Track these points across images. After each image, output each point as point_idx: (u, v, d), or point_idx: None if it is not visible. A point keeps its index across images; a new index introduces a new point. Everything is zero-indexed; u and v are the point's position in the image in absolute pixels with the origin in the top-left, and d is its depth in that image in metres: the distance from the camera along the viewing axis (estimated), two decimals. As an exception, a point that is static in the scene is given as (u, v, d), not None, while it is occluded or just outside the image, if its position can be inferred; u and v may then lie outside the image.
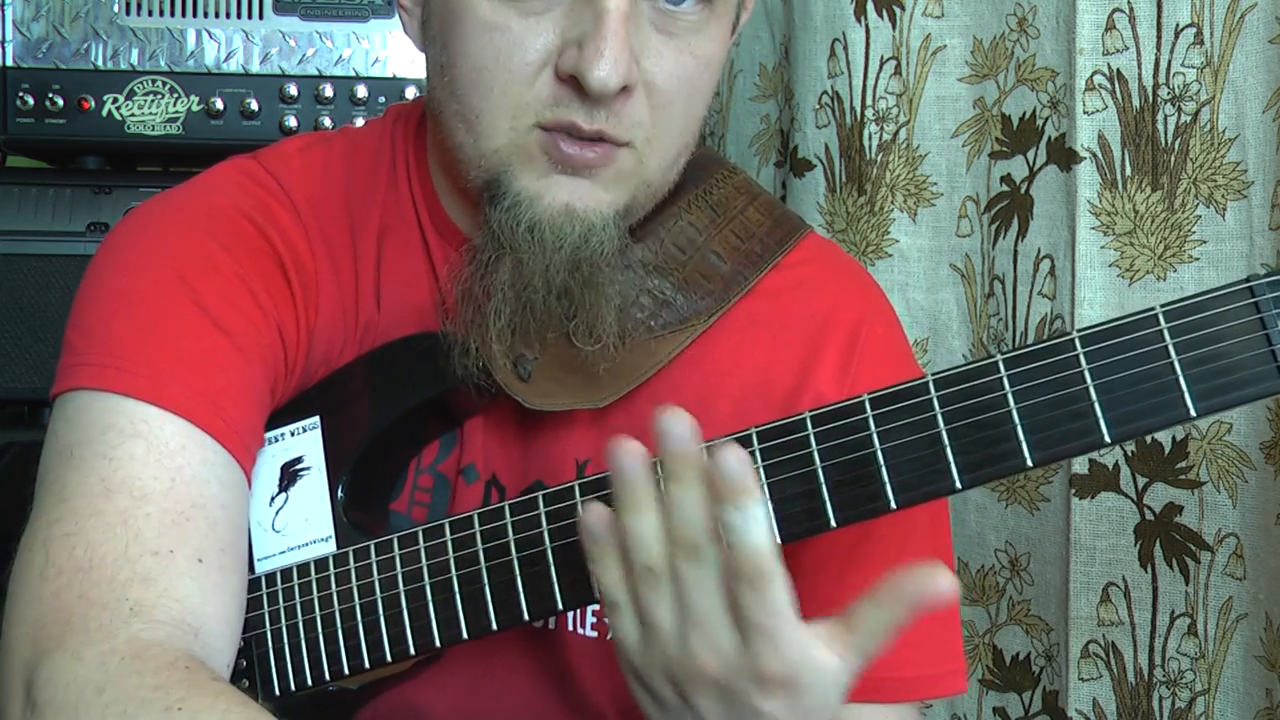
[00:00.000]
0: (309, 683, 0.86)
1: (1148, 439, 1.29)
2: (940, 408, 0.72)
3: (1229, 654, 1.26)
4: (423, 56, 0.92)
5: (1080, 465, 1.32)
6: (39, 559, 0.77)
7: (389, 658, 0.84)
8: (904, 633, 0.88)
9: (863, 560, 0.89)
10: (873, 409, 0.73)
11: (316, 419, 0.90)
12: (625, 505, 0.71)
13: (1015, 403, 0.71)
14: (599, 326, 0.85)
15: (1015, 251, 1.40)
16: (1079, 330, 0.70)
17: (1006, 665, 1.44)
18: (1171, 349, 0.69)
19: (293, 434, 0.91)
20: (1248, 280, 0.68)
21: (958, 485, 0.72)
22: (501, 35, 0.80)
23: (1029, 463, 0.70)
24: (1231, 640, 1.26)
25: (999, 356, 0.71)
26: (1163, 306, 0.69)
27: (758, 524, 0.67)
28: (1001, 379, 0.71)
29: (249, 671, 0.87)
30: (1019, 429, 0.71)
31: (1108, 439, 0.70)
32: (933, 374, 0.73)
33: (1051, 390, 0.70)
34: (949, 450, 0.71)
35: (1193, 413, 0.68)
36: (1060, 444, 0.71)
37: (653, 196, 0.88)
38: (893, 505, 0.73)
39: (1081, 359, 0.70)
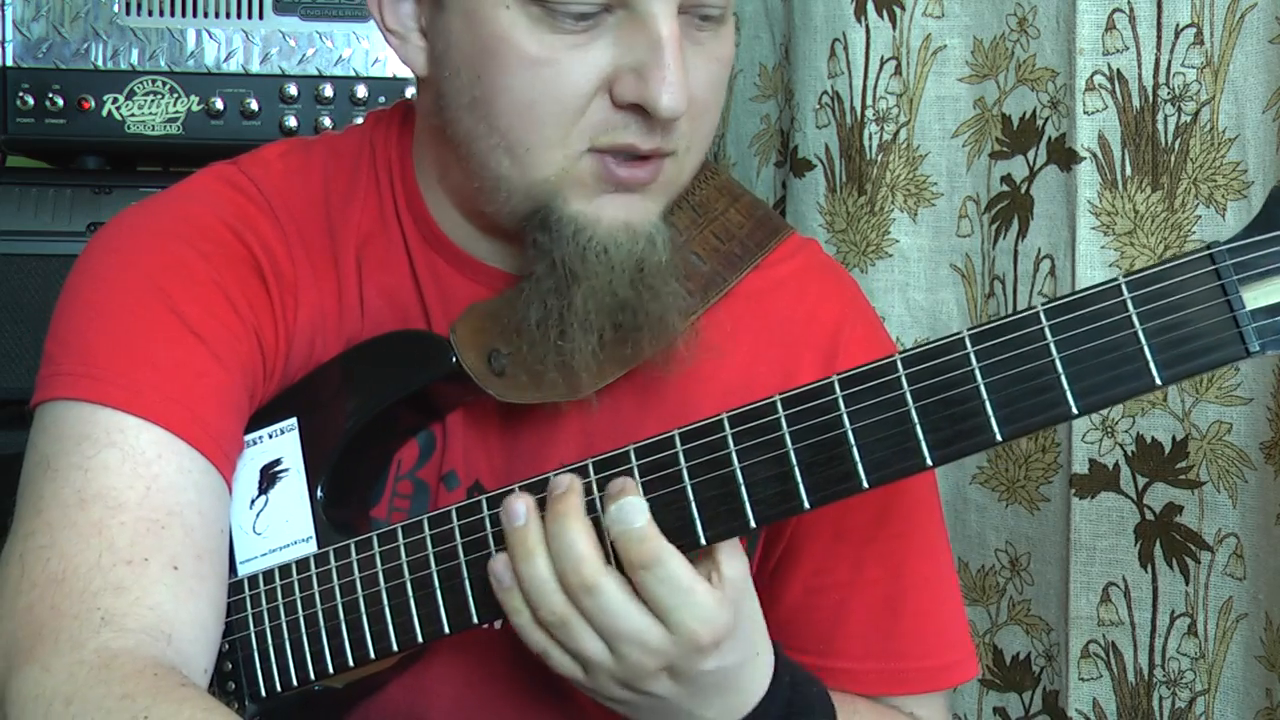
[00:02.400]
0: (294, 682, 0.86)
1: (1148, 439, 1.29)
2: (908, 385, 0.72)
3: (1229, 654, 1.26)
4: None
5: (1080, 465, 1.32)
6: (15, 573, 0.78)
7: (372, 654, 0.84)
8: (928, 622, 0.91)
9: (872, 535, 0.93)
10: (842, 389, 0.73)
11: (294, 420, 0.90)
12: (516, 554, 0.76)
13: (982, 378, 0.71)
14: (665, 331, 0.86)
15: (1015, 251, 1.40)
16: (1043, 303, 0.70)
17: (1006, 665, 1.44)
18: (1135, 319, 0.68)
19: (270, 436, 0.90)
20: (1208, 248, 0.68)
21: (928, 462, 0.72)
22: (549, 69, 0.80)
23: (998, 437, 0.71)
24: (1231, 640, 1.26)
25: (965, 333, 0.71)
26: (1125, 276, 0.69)
27: (634, 510, 0.74)
28: (968, 355, 0.71)
29: (235, 673, 0.87)
30: (987, 404, 0.71)
31: (1075, 410, 0.70)
32: (900, 353, 0.73)
33: (1018, 364, 0.70)
34: (918, 428, 0.71)
35: (1158, 381, 0.68)
36: (1028, 417, 0.70)
37: (679, 195, 0.90)
38: (865, 485, 0.73)
39: (1047, 332, 0.70)
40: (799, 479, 0.74)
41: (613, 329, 0.85)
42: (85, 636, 0.74)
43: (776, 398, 0.75)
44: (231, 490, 0.87)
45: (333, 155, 0.97)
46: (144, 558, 0.78)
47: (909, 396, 0.72)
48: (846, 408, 0.73)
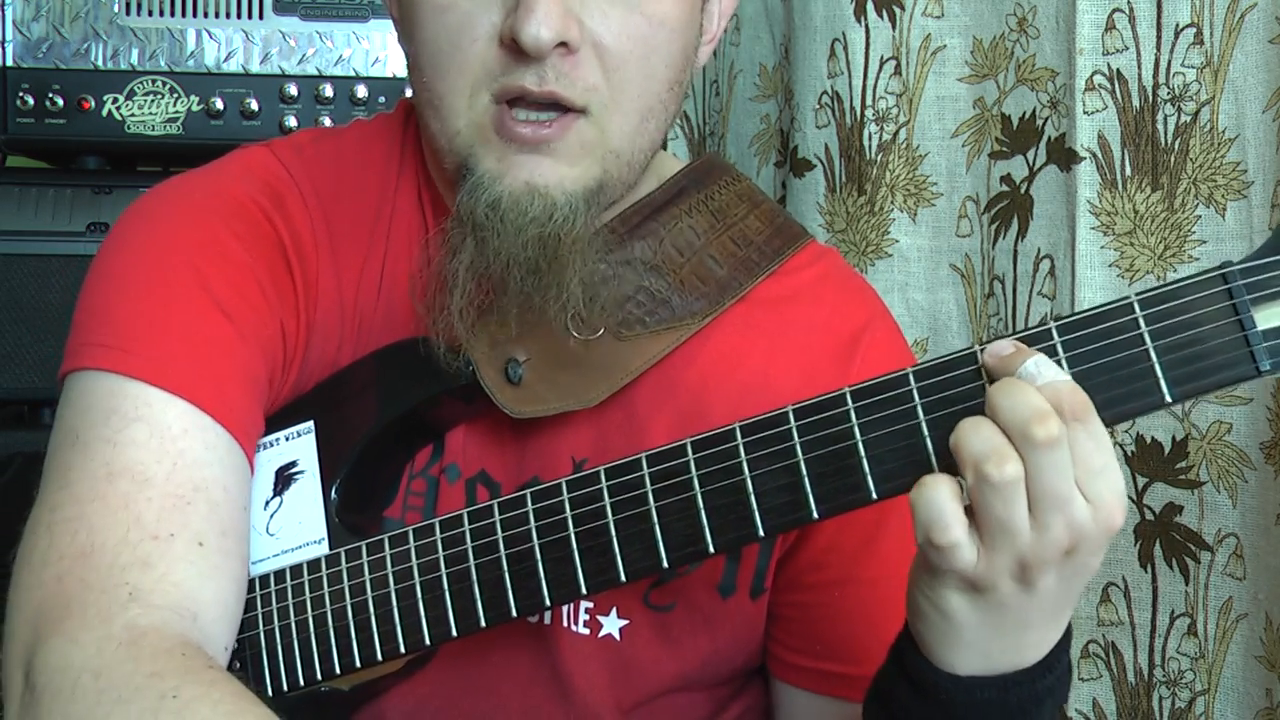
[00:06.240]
0: (301, 683, 0.86)
1: (1148, 439, 1.29)
2: (920, 398, 0.72)
3: (1229, 654, 1.26)
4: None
5: (1080, 465, 1.32)
6: (42, 543, 0.78)
7: (379, 656, 0.84)
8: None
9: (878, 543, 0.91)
10: (854, 401, 0.74)
11: (311, 423, 0.91)
12: (965, 424, 0.69)
13: None
14: (570, 303, 0.85)
15: (1015, 251, 1.40)
16: (1055, 320, 0.71)
17: (1006, 665, 1.44)
18: (1147, 336, 0.69)
19: (287, 438, 0.91)
20: (1221, 268, 0.69)
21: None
22: (451, 15, 0.82)
23: None
24: (1231, 640, 1.26)
25: (976, 347, 0.72)
26: (1138, 295, 0.70)
27: (1051, 363, 0.68)
28: (980, 370, 0.71)
29: (243, 672, 0.87)
30: None
31: None
32: (913, 367, 0.73)
33: None
34: (929, 441, 0.72)
35: (1168, 398, 0.69)
36: None
37: (626, 168, 0.87)
38: (874, 496, 0.73)
39: (1058, 348, 0.70)
40: (809, 489, 0.74)
41: (521, 296, 0.84)
42: (113, 611, 0.75)
43: (789, 408, 0.75)
44: (254, 469, 0.87)
45: (364, 143, 0.98)
46: (170, 533, 0.79)
47: (920, 409, 0.72)
48: (858, 419, 0.73)
